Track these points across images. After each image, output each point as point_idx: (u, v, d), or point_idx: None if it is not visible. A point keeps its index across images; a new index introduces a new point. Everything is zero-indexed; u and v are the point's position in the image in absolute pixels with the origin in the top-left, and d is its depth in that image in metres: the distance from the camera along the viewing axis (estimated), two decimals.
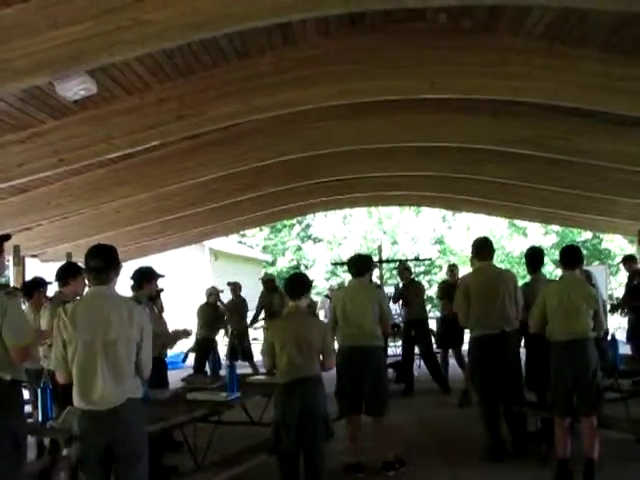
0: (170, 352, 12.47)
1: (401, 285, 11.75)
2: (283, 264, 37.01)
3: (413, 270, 13.30)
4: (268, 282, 12.35)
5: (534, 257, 6.98)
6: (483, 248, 6.81)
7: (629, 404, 6.22)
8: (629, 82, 6.56)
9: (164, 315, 11.04)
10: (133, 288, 6.20)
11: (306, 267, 36.10)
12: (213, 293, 11.64)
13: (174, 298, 12.71)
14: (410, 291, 11.09)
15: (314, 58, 6.68)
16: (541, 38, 6.43)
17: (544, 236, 31.10)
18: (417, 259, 24.47)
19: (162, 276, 6.52)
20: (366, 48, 6.65)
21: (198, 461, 5.54)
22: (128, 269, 11.35)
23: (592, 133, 9.06)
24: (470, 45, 6.46)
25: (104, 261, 3.96)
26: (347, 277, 12.11)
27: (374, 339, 6.40)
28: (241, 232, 35.99)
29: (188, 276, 22.38)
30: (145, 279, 6.21)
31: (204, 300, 11.61)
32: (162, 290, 7.81)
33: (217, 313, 11.63)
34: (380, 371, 6.52)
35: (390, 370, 11.69)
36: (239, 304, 12.39)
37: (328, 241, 37.40)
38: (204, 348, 10.94)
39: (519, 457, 6.31)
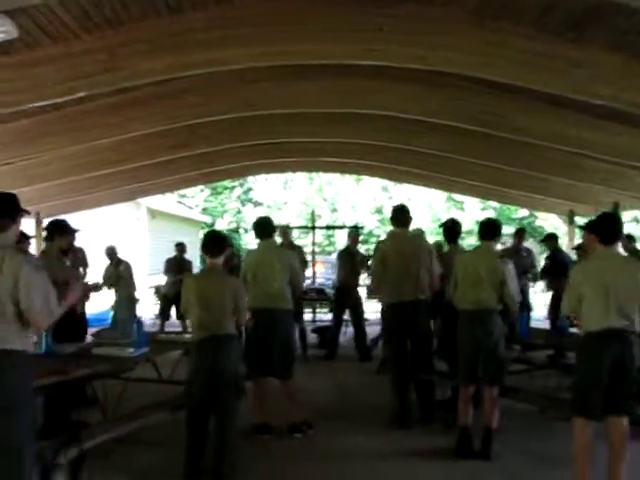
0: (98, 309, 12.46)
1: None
2: (222, 226, 36.77)
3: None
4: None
5: (451, 228, 7.09)
6: (400, 215, 6.84)
7: (536, 376, 6.43)
8: (556, 61, 6.67)
9: (88, 270, 11.03)
10: (45, 239, 6.10)
11: (245, 230, 35.97)
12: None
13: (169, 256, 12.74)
14: (357, 259, 11.16)
15: (248, 17, 6.56)
16: (473, 11, 6.48)
17: (482, 211, 31.63)
18: (339, 227, 24.60)
19: (76, 230, 6.41)
20: (301, 11, 6.59)
21: (107, 416, 5.53)
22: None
23: (527, 111, 9.18)
24: (402, 14, 6.45)
25: None
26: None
27: (283, 302, 6.39)
28: (180, 193, 35.70)
29: (124, 234, 22.07)
30: (57, 232, 6.10)
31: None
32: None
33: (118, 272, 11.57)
34: (288, 334, 6.51)
35: (314, 335, 11.88)
36: (184, 264, 12.52)
37: (268, 205, 37.37)
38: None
39: (426, 424, 6.46)
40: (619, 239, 4.65)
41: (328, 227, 21.99)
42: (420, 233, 9.19)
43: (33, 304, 3.74)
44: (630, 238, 10.63)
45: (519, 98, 8.80)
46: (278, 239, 10.93)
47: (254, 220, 6.95)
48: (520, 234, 11.48)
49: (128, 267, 11.47)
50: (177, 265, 12.47)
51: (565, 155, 11.01)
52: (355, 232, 12.41)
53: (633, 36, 6.28)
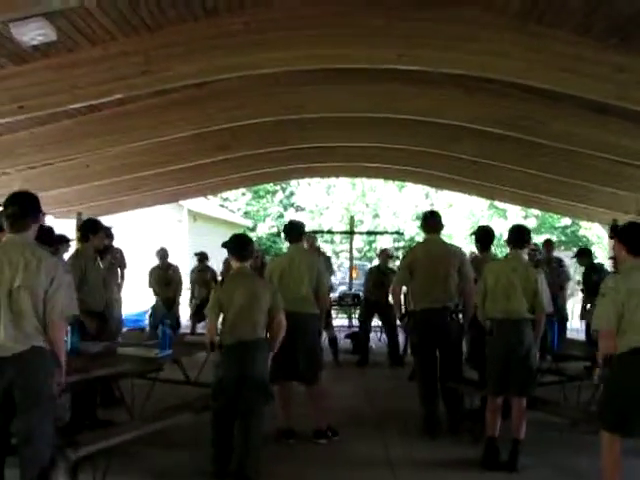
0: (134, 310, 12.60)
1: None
2: (263, 230, 36.93)
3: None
4: None
5: (483, 236, 6.94)
6: (431, 221, 6.76)
7: (568, 388, 6.28)
8: (598, 67, 6.53)
9: (125, 271, 11.15)
10: (79, 240, 6.15)
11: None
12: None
13: (149, 256, 12.73)
14: (389, 279, 11.03)
15: (284, 21, 6.57)
16: (514, 16, 6.36)
17: (524, 219, 31.18)
18: (379, 232, 24.55)
19: (109, 229, 6.44)
20: (338, 14, 6.56)
21: (133, 416, 5.55)
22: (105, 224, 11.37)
23: (568, 117, 9.03)
24: (440, 18, 6.38)
25: (21, 208, 3.89)
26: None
27: (309, 306, 6.35)
28: (223, 196, 35.98)
29: (165, 236, 22.26)
30: (91, 231, 6.14)
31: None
32: (110, 246, 7.71)
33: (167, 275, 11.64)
34: (313, 338, 6.46)
35: (348, 341, 11.85)
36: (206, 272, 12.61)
37: (310, 210, 37.34)
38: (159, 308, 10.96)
39: (453, 434, 6.35)
40: None
41: (367, 233, 21.90)
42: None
43: (57, 305, 3.82)
44: None
45: (560, 104, 8.64)
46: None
47: (285, 223, 6.93)
48: (548, 244, 11.30)
49: (177, 271, 11.65)
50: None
51: (607, 163, 10.79)
52: (386, 250, 12.25)
53: None
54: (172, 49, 6.68)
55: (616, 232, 4.57)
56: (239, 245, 5.36)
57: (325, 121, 10.57)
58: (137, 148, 10.52)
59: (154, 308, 11.31)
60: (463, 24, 6.43)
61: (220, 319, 5.19)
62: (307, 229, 13.30)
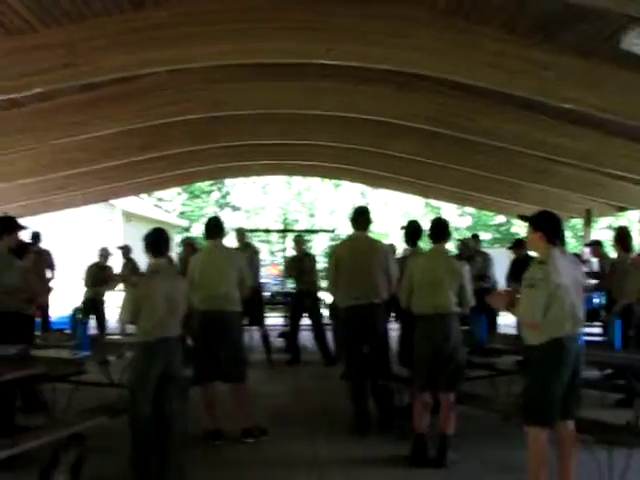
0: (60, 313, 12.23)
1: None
2: (199, 230, 36.50)
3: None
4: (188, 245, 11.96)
5: (412, 230, 6.85)
6: (359, 217, 6.70)
7: (499, 382, 6.31)
8: (524, 64, 6.61)
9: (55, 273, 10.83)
10: None
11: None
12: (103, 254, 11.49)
13: (81, 257, 12.43)
14: (305, 264, 11.00)
15: (212, 14, 6.45)
16: (442, 12, 6.40)
17: (459, 217, 31.64)
18: (313, 231, 24.64)
19: (24, 227, 6.16)
20: (267, 8, 6.47)
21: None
22: (31, 225, 11.03)
23: (496, 114, 9.16)
24: (369, 13, 6.36)
25: None
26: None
27: (230, 304, 6.20)
28: (158, 196, 35.46)
29: (98, 237, 21.79)
30: (5, 230, 5.85)
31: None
32: (30, 244, 7.44)
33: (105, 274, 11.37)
34: (236, 336, 6.33)
35: (280, 339, 11.78)
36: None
37: (246, 210, 37.13)
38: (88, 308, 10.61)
39: (384, 431, 6.30)
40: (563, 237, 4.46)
41: (301, 231, 21.76)
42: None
43: None
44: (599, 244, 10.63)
45: (488, 101, 8.75)
46: (234, 241, 10.86)
47: (205, 221, 6.76)
48: (474, 239, 11.56)
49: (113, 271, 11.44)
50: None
51: (535, 160, 11.02)
52: (300, 237, 12.22)
53: (599, 42, 6.25)
54: (96, 42, 6.47)
55: (531, 220, 4.51)
56: (153, 241, 5.15)
57: (257, 118, 10.48)
58: (63, 145, 10.26)
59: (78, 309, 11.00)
60: (392, 20, 6.43)
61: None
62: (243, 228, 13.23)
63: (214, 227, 6.50)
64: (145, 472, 4.79)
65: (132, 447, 4.78)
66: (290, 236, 18.51)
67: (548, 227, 4.42)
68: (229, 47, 6.66)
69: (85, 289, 11.17)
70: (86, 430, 4.89)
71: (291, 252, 20.02)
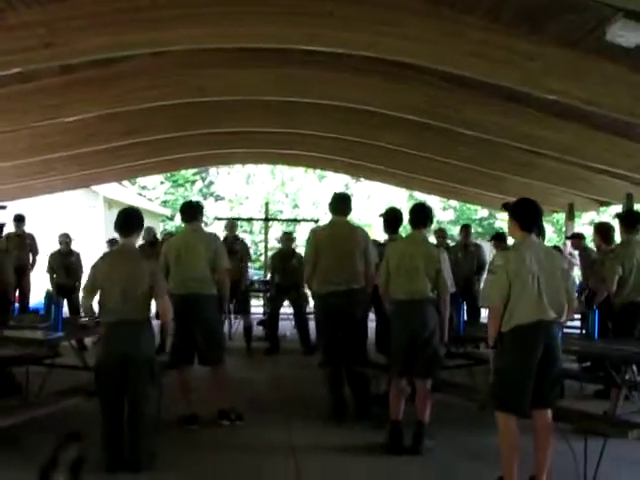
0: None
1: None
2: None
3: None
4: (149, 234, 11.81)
5: (392, 217, 6.76)
6: (338, 203, 6.64)
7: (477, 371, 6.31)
8: (509, 53, 6.57)
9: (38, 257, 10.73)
10: None
11: (205, 224, 35.52)
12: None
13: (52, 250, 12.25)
14: (292, 263, 10.88)
15: None
16: (428, 0, 6.35)
17: (443, 211, 31.69)
18: (297, 220, 24.66)
19: (2, 207, 6.05)
20: None
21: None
22: (11, 210, 10.87)
23: (481, 105, 9.13)
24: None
25: None
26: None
27: (206, 286, 6.15)
28: (141, 184, 35.24)
29: (80, 223, 21.63)
30: None
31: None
32: (3, 225, 7.34)
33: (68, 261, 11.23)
34: (212, 319, 6.25)
35: (260, 327, 11.76)
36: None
37: (229, 200, 36.99)
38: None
39: (360, 419, 6.25)
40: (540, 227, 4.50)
41: (282, 220, 21.81)
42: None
43: None
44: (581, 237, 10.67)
45: (473, 92, 8.72)
46: (223, 232, 10.78)
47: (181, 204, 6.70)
48: (465, 229, 11.50)
49: (79, 257, 11.27)
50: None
51: (519, 152, 11.01)
52: (287, 234, 12.14)
53: (585, 33, 6.21)
54: (77, 22, 6.35)
55: (508, 209, 4.57)
56: (121, 220, 5.08)
57: (241, 105, 10.37)
58: (42, 129, 10.13)
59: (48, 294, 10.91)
60: (377, 6, 6.36)
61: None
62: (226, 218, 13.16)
63: (189, 210, 6.47)
64: (117, 454, 4.74)
65: (101, 429, 4.74)
66: (273, 226, 18.49)
67: (523, 215, 4.46)
68: (210, 30, 6.59)
69: (50, 277, 11.03)
70: (60, 412, 4.83)
71: (273, 243, 20.02)
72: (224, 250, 6.51)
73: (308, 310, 11.42)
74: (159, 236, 12.72)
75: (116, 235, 5.40)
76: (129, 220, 5.08)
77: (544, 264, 4.32)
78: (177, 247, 6.26)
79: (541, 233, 4.48)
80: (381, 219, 6.80)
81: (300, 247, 12.28)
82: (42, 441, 4.78)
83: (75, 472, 3.73)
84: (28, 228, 11.35)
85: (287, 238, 11.54)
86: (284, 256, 11.13)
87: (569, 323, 7.58)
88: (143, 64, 8.25)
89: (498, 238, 10.43)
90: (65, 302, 10.14)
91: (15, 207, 12.48)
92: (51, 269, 11.05)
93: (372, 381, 6.46)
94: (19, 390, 6.13)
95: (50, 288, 10.43)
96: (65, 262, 11.04)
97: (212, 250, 6.24)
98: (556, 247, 9.23)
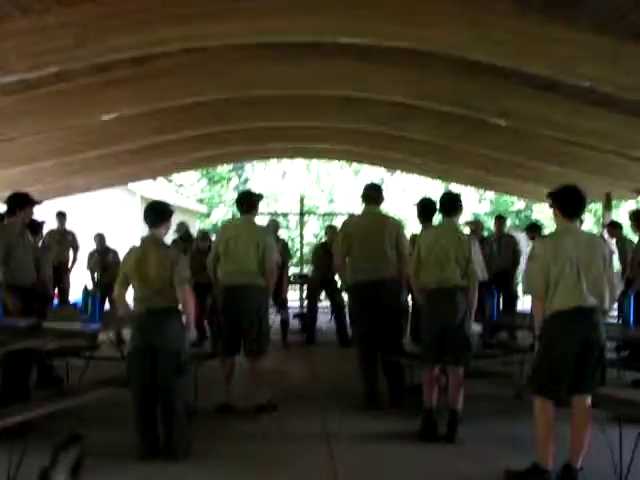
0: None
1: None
2: (218, 216, 36.62)
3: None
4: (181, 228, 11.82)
5: (425, 207, 6.58)
6: (370, 192, 6.63)
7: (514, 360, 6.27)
8: (541, 41, 6.52)
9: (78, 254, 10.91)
10: (7, 214, 5.90)
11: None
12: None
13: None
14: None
15: None
16: None
17: (478, 203, 31.47)
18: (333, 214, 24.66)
19: (38, 203, 6.15)
20: None
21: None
22: (51, 208, 11.02)
23: (516, 95, 9.05)
24: None
25: None
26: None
27: (255, 278, 6.18)
28: (178, 182, 35.55)
29: (117, 222, 21.90)
30: (18, 205, 5.86)
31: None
32: (43, 222, 7.50)
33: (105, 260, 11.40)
34: (260, 310, 6.29)
35: (296, 321, 11.82)
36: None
37: (265, 196, 37.03)
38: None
39: (394, 408, 6.28)
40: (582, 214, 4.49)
41: (319, 215, 21.79)
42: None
43: None
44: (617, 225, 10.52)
45: (507, 82, 8.66)
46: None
47: (238, 194, 6.71)
48: (499, 221, 11.40)
49: (116, 255, 11.40)
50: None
51: (555, 142, 10.89)
52: (333, 227, 12.13)
53: (618, 18, 6.14)
54: (110, 21, 6.48)
55: (552, 196, 4.56)
56: (148, 211, 5.14)
57: (274, 100, 10.44)
58: (79, 128, 10.31)
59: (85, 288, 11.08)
60: None
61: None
62: (262, 215, 13.21)
63: (248, 200, 6.48)
64: (151, 443, 4.83)
65: (135, 419, 4.83)
66: (309, 221, 18.48)
67: (565, 202, 4.46)
68: (243, 26, 6.65)
69: (90, 275, 11.24)
70: (98, 401, 4.93)
71: (309, 238, 20.03)
72: (274, 244, 6.56)
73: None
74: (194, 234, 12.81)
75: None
76: (155, 211, 5.14)
77: (584, 251, 4.31)
78: (228, 238, 6.25)
79: (578, 218, 4.47)
80: (415, 209, 6.78)
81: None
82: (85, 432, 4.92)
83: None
84: (73, 225, 11.62)
85: (330, 232, 11.50)
86: (327, 250, 11.16)
87: None
88: (177, 61, 8.34)
89: (533, 228, 10.33)
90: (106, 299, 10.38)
91: (54, 205, 12.69)
92: (90, 268, 11.26)
93: (407, 371, 6.48)
94: (59, 382, 6.27)
95: (90, 285, 10.62)
96: (102, 261, 11.23)
97: (263, 243, 6.26)
98: (601, 236, 9.10)
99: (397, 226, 6.63)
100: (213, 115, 10.84)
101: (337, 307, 11.02)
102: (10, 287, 5.60)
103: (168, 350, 4.84)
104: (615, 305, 7.66)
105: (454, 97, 9.00)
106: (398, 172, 28.86)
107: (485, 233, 11.90)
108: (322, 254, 11.04)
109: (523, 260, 10.88)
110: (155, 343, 4.82)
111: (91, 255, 11.36)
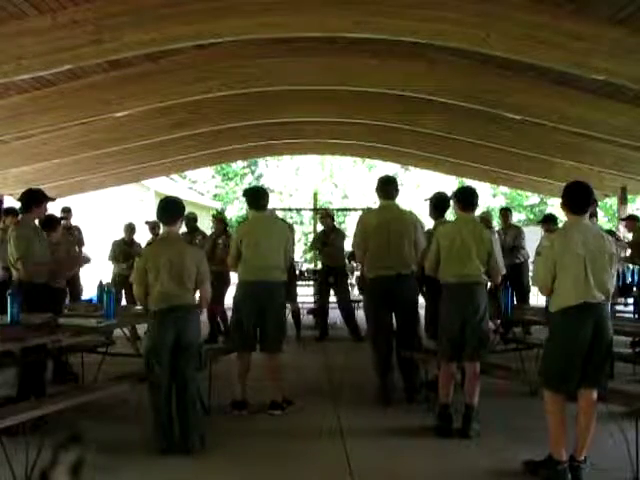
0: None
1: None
2: (232, 213, 36.69)
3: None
4: (190, 221, 11.80)
5: (439, 201, 6.66)
6: (385, 187, 6.58)
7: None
8: (554, 34, 6.47)
9: (84, 249, 10.86)
10: (21, 210, 5.93)
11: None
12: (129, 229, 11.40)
13: (113, 237, 12.39)
14: (331, 238, 10.92)
15: None
16: None
17: (493, 198, 31.32)
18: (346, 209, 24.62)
19: (52, 199, 6.16)
20: None
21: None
22: (64, 203, 10.98)
23: (530, 89, 9.01)
24: None
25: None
26: None
27: (279, 273, 6.19)
28: (192, 179, 35.65)
29: (131, 217, 21.95)
30: (33, 202, 5.87)
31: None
32: (62, 219, 7.54)
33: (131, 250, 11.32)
34: (280, 307, 6.32)
35: (310, 317, 11.81)
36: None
37: (279, 192, 37.16)
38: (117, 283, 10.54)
39: (410, 403, 6.27)
40: (589, 209, 4.46)
41: (333, 209, 21.77)
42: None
43: None
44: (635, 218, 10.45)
45: (519, 75, 8.61)
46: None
47: (246, 190, 6.70)
48: (504, 214, 11.35)
49: (140, 247, 11.33)
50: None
51: (570, 136, 10.83)
52: (326, 210, 12.00)
53: (633, 9, 6.09)
54: (124, 18, 6.50)
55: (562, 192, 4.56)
56: (163, 208, 5.16)
57: (287, 95, 10.44)
58: (93, 125, 10.35)
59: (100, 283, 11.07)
60: None
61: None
62: (277, 211, 13.21)
63: (264, 197, 6.46)
64: (167, 438, 4.85)
65: (152, 414, 4.86)
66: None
67: (572, 198, 4.46)
68: (256, 21, 6.64)
69: (112, 265, 11.17)
70: (112, 397, 4.95)
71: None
72: (294, 240, 6.56)
73: (353, 298, 11.48)
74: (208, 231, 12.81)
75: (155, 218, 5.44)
76: (170, 209, 5.16)
77: (592, 247, 4.30)
78: (255, 234, 6.19)
79: (586, 212, 4.44)
80: (427, 204, 6.76)
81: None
82: (93, 427, 4.96)
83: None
84: (83, 222, 11.60)
85: (323, 215, 11.47)
86: (323, 232, 11.16)
87: (623, 308, 7.48)
88: (190, 58, 8.37)
89: (547, 220, 10.25)
90: (123, 292, 10.39)
91: (69, 201, 12.72)
92: (114, 257, 11.20)
93: (422, 366, 6.47)
94: (75, 378, 6.31)
95: (111, 276, 10.62)
96: (127, 251, 11.17)
97: (286, 239, 6.30)
98: (610, 232, 9.06)
99: (414, 221, 6.56)
100: (227, 111, 10.86)
101: (343, 301, 10.93)
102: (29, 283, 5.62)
103: (190, 345, 4.89)
104: (631, 300, 7.64)
105: (468, 92, 8.96)
106: (412, 168, 28.75)
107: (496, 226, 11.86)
108: (322, 240, 11.05)
109: (526, 252, 10.90)
110: (178, 338, 4.86)
111: (117, 244, 11.28)
